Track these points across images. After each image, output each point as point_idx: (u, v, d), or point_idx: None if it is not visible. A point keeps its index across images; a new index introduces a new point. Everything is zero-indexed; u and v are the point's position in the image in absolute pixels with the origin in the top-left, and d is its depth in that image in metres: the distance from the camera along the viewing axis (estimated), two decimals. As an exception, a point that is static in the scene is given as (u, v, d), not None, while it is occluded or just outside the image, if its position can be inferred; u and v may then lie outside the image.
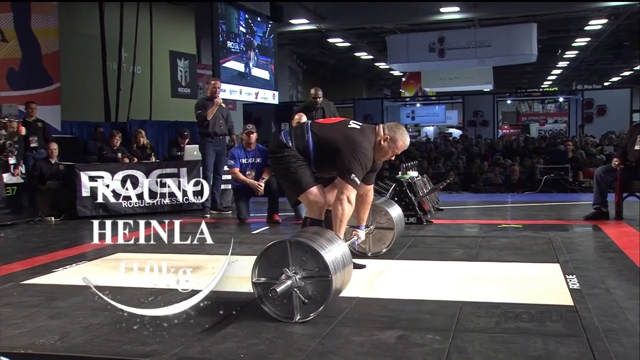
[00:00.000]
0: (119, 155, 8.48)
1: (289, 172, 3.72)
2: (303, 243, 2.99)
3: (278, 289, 2.89)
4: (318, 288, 2.98)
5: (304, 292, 2.99)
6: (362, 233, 4.07)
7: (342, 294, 3.23)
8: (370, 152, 3.68)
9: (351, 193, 3.59)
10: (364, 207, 4.08)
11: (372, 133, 3.75)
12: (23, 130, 6.69)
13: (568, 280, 3.66)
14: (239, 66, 14.71)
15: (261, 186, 6.79)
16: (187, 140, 8.96)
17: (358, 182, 3.59)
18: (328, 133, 3.73)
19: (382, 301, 3.36)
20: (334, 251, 3.04)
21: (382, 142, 3.74)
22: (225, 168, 7.49)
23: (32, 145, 8.17)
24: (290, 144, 3.73)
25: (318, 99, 7.19)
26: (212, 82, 7.87)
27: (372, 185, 4.11)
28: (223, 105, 7.66)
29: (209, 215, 7.43)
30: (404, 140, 3.81)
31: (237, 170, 6.86)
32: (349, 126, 3.76)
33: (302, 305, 2.99)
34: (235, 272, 4.23)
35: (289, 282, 2.95)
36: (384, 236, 4.66)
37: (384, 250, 4.66)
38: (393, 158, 3.95)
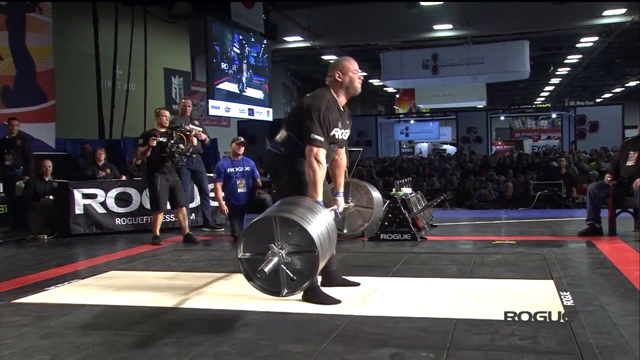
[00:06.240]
0: (108, 171, 8.45)
1: (289, 183, 3.72)
2: (288, 219, 2.99)
3: (266, 269, 2.87)
4: (305, 263, 2.99)
5: (291, 267, 2.99)
6: (340, 199, 4.02)
7: (335, 312, 3.22)
8: (325, 104, 3.62)
9: (318, 152, 3.52)
10: (339, 170, 4.06)
11: (323, 89, 3.77)
12: (195, 141, 6.92)
13: (562, 296, 3.64)
14: (232, 87, 14.72)
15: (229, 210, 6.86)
16: None
17: (321, 139, 3.53)
18: (291, 117, 3.82)
19: (376, 319, 3.33)
20: (316, 222, 3.06)
21: (336, 79, 3.75)
22: (211, 186, 7.47)
23: (7, 163, 8.15)
24: (282, 151, 3.77)
25: None
26: (183, 100, 7.83)
27: (345, 148, 4.09)
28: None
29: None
30: (347, 59, 3.85)
31: (219, 186, 6.90)
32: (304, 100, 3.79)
33: (290, 281, 3.00)
34: (228, 290, 4.23)
35: (275, 260, 2.93)
36: (362, 216, 4.71)
37: (361, 229, 4.68)
38: (360, 83, 3.88)
